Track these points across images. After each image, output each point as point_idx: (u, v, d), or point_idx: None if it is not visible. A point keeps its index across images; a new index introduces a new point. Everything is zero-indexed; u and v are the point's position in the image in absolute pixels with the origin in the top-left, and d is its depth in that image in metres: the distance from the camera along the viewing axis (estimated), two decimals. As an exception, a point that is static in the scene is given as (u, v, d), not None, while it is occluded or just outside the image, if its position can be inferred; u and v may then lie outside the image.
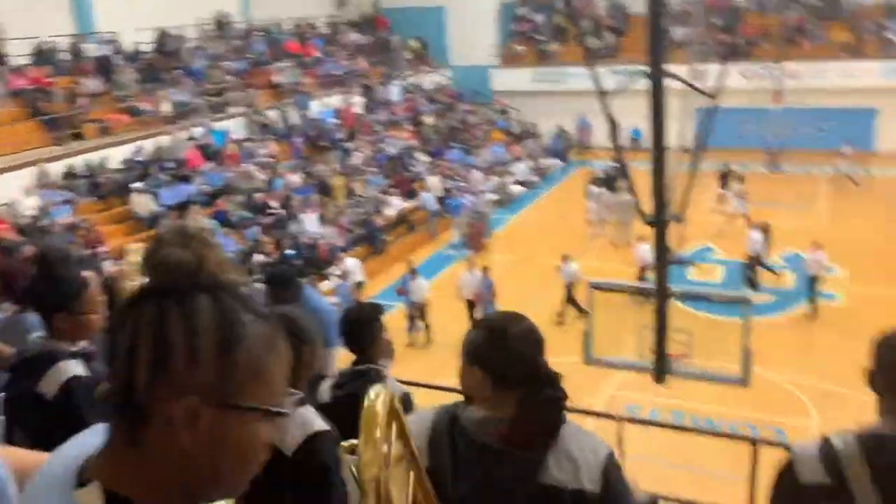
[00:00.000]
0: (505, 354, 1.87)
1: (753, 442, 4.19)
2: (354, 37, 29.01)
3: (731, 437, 3.98)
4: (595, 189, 20.47)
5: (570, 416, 1.93)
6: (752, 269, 15.68)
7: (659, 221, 7.00)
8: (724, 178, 21.06)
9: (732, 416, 10.72)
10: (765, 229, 16.06)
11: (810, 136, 25.89)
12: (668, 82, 7.09)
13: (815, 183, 23.21)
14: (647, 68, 6.89)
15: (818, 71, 25.75)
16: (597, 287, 8.19)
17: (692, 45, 22.80)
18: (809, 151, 25.06)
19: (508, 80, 30.56)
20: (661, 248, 7.18)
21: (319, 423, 2.28)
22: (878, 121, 25.68)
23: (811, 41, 27.32)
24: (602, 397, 11.67)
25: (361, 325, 3.37)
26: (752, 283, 15.36)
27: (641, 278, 14.10)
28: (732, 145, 26.23)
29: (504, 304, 14.20)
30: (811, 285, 14.63)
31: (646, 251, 14.74)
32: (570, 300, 14.45)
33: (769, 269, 16.07)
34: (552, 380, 1.88)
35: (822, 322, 14.03)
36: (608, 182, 20.41)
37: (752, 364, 7.87)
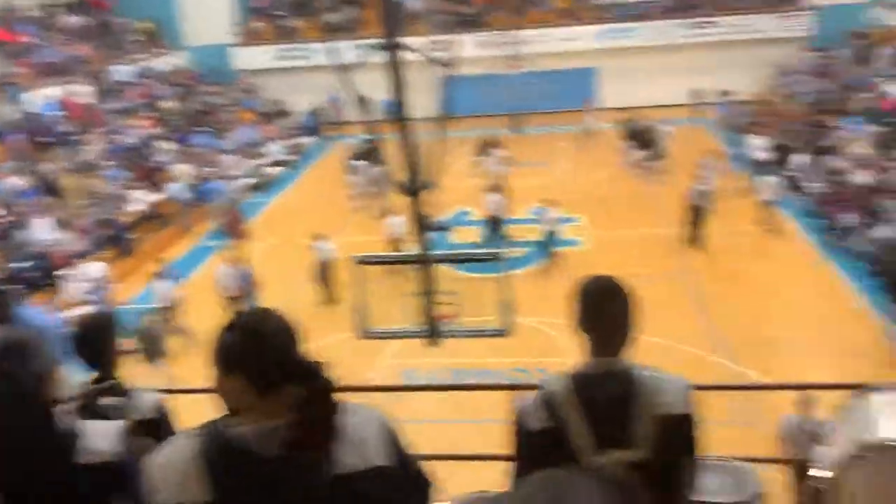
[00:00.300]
0: (263, 355, 1.71)
1: (513, 388, 4.49)
2: (73, 20, 26.19)
3: (495, 387, 4.21)
4: (356, 163, 20.54)
5: (350, 396, 1.84)
6: (495, 228, 16.70)
7: (413, 190, 7.09)
8: (486, 145, 22.19)
9: (507, 364, 11.45)
10: (499, 190, 17.14)
11: (544, 98, 28.07)
12: (408, 54, 7.16)
13: (554, 141, 25.17)
14: (382, 41, 6.88)
15: (545, 36, 27.85)
16: (361, 261, 8.14)
17: (429, 16, 23.51)
18: (545, 112, 27.19)
19: (251, 58, 29.50)
20: (419, 216, 7.29)
21: None
22: (598, 79, 28.39)
23: (537, 8, 29.39)
24: (381, 369, 11.83)
25: (94, 339, 3.02)
26: (499, 240, 16.36)
27: (395, 251, 14.34)
28: (480, 112, 27.76)
29: (270, 291, 13.80)
30: (548, 239, 15.71)
31: (396, 224, 15.11)
32: (323, 280, 14.24)
33: (502, 228, 16.95)
34: (316, 371, 1.76)
35: (568, 267, 15.28)
36: (368, 155, 20.54)
37: (514, 315, 8.32)
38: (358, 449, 1.74)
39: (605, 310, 2.01)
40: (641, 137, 21.26)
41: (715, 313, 13.09)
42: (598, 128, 25.07)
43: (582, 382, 1.96)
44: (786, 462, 5.98)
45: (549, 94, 28.05)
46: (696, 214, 16.05)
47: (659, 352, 11.65)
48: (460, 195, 18.13)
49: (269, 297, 13.42)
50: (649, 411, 1.91)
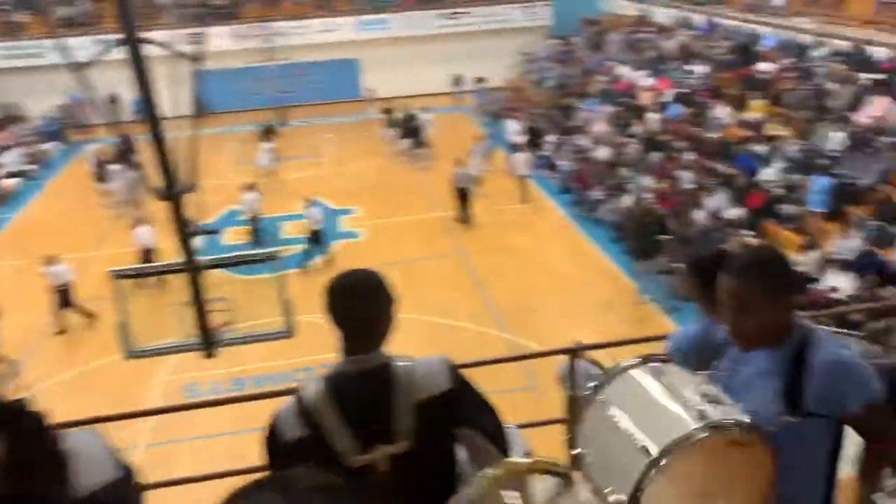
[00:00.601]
0: None
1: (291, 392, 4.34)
2: None
3: (271, 394, 4.06)
4: (108, 168, 18.91)
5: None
6: (255, 227, 16.30)
7: (170, 195, 6.63)
8: (264, 135, 21.45)
9: (291, 366, 11.22)
10: (253, 188, 16.73)
11: (308, 90, 27.76)
12: (152, 49, 6.66)
13: (321, 133, 24.97)
14: (121, 35, 6.34)
15: (302, 27, 27.46)
16: (120, 275, 7.50)
17: (176, 7, 22.17)
18: (309, 104, 26.85)
19: (-30, 58, 25.99)
20: (180, 222, 6.85)
21: None
22: (361, 70, 28.59)
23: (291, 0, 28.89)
24: (158, 388, 11.08)
25: None
26: (261, 239, 15.93)
27: (147, 262, 13.37)
28: (241, 107, 26.78)
29: (16, 318, 12.34)
30: (315, 239, 15.22)
31: (145, 234, 14.21)
32: (67, 304, 13.04)
33: (256, 228, 16.45)
34: (17, 414, 1.59)
35: (347, 259, 15.30)
36: (121, 158, 18.96)
37: (294, 314, 8.15)
38: (94, 467, 1.70)
39: (352, 307, 1.95)
40: (405, 126, 21.78)
41: (490, 288, 13.81)
42: (370, 118, 25.26)
43: (336, 383, 1.91)
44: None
45: (314, 85, 27.80)
46: (463, 196, 16.83)
47: (444, 331, 12.10)
48: (230, 194, 17.41)
49: (10, 326, 11.98)
50: (409, 400, 1.91)
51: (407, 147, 21.45)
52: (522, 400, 9.95)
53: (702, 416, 1.85)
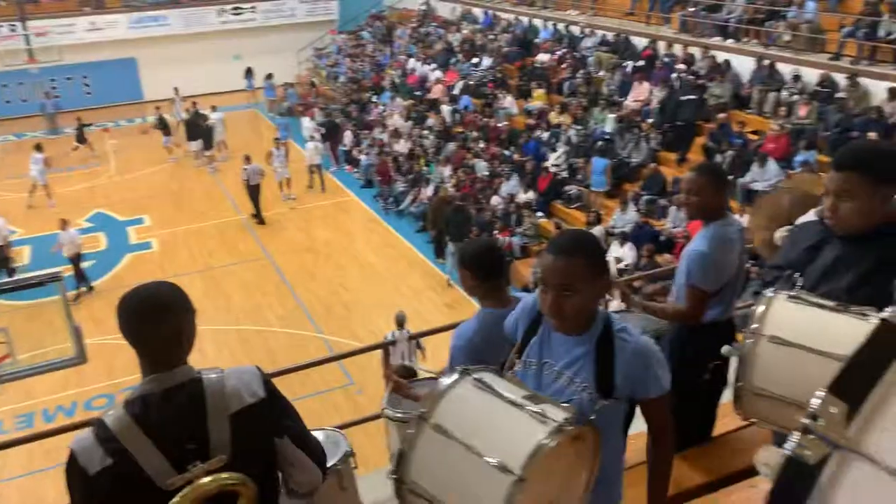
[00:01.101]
0: None
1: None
2: None
3: (68, 428, 3.72)
4: None
5: None
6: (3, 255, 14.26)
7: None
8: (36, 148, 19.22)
9: (87, 394, 10.36)
10: None
11: (82, 94, 25.60)
12: None
13: (102, 139, 23.05)
14: None
15: (64, 26, 25.18)
16: None
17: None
18: (86, 109, 24.72)
19: None
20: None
21: None
22: (140, 70, 26.80)
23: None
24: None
25: None
26: (6, 266, 14.08)
27: None
28: (4, 115, 24.16)
29: None
30: (76, 266, 13.37)
31: None
32: None
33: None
34: None
35: (140, 273, 14.26)
36: None
37: (84, 338, 7.51)
38: None
39: (148, 324, 1.84)
40: (194, 127, 20.69)
41: (301, 288, 13.57)
42: (164, 119, 23.68)
43: (142, 405, 1.81)
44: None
45: (88, 88, 25.70)
46: (256, 194, 16.32)
47: (256, 338, 11.72)
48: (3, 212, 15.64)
49: None
50: (222, 413, 1.84)
51: (198, 149, 20.42)
52: (344, 398, 9.94)
53: (543, 419, 1.84)
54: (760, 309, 2.27)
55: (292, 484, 2.02)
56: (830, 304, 2.18)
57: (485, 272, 2.81)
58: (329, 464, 2.54)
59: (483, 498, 1.76)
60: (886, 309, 0.97)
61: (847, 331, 2.02)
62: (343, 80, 24.62)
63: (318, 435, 2.63)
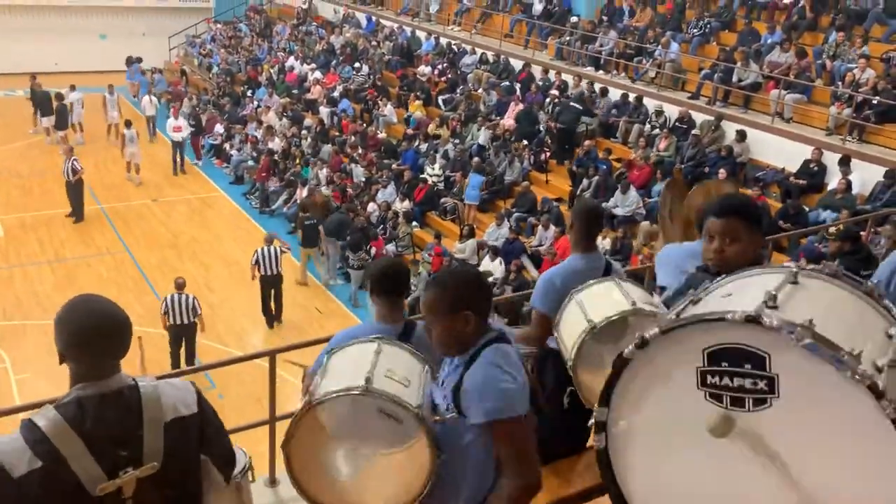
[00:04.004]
0: None
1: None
2: None
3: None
4: None
5: None
6: None
7: None
8: None
9: None
10: None
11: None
12: None
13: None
14: None
15: None
16: None
17: None
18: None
19: None
20: None
21: None
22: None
23: None
24: None
25: None
26: None
27: None
28: None
29: None
30: None
31: None
32: None
33: None
34: None
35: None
36: None
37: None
38: None
39: (105, 339, 1.87)
40: (48, 106, 19.22)
41: (163, 286, 12.94)
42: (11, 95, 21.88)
43: (77, 409, 1.79)
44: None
45: None
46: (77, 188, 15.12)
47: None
48: None
49: None
50: (157, 422, 1.88)
51: (51, 128, 19.02)
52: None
53: (368, 380, 2.17)
54: (591, 282, 3.14)
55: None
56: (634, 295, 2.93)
57: (384, 290, 2.90)
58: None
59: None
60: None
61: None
62: (216, 72, 23.79)
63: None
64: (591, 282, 3.14)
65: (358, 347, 2.44)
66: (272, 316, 12.11)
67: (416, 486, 2.22)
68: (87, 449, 1.77)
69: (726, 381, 1.49)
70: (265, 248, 11.88)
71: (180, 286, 10.50)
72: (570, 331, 3.01)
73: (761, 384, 1.46)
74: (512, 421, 2.14)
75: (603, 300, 2.99)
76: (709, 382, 1.51)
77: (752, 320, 1.43)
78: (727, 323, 1.46)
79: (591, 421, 1.70)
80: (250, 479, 2.95)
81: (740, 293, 1.66)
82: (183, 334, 10.45)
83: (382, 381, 2.20)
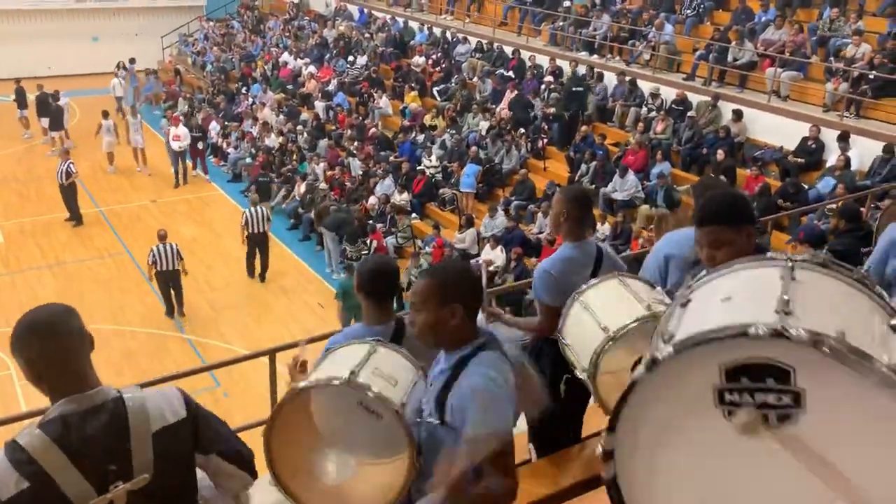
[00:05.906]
0: None
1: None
2: None
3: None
4: None
5: None
6: None
7: None
8: None
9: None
10: None
11: None
12: None
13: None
14: None
15: None
16: None
17: None
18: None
19: None
20: None
21: None
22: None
23: None
24: None
25: None
26: None
27: None
28: None
29: None
30: None
31: None
32: None
33: None
34: None
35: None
36: None
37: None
38: None
39: (63, 350, 1.80)
40: (43, 109, 19.15)
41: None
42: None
43: (61, 426, 1.75)
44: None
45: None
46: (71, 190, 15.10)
47: (114, 338, 11.00)
48: None
49: None
50: (145, 433, 1.83)
51: (46, 132, 18.96)
52: (212, 402, 9.59)
53: (353, 373, 2.18)
54: (593, 282, 3.11)
55: (220, 490, 2.05)
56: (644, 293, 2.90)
57: (372, 290, 2.82)
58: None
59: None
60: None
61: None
62: (210, 70, 23.70)
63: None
64: (594, 281, 3.12)
65: (353, 347, 2.44)
66: (254, 271, 13.32)
67: (395, 487, 2.19)
68: (75, 466, 1.73)
69: (747, 397, 1.38)
70: (253, 209, 13.25)
71: (162, 237, 11.78)
72: (582, 341, 2.97)
73: (786, 399, 1.36)
74: (497, 435, 2.09)
75: (614, 305, 2.93)
76: (727, 400, 1.39)
77: (779, 335, 1.32)
78: (749, 338, 1.35)
79: (599, 450, 1.56)
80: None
81: (741, 297, 1.56)
82: (170, 279, 11.74)
83: (367, 377, 2.19)
